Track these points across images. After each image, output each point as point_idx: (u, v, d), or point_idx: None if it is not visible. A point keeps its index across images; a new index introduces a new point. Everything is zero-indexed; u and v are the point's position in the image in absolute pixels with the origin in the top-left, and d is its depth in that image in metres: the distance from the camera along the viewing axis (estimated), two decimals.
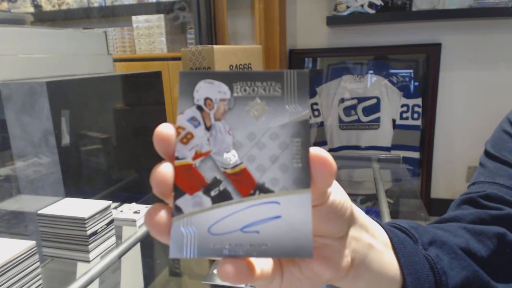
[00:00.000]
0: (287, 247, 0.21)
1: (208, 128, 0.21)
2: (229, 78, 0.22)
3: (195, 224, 0.20)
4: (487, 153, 0.49)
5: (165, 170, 0.20)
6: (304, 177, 0.21)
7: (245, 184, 0.21)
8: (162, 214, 0.20)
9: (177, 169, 0.21)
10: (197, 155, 0.21)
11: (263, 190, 0.21)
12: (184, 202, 0.21)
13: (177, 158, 0.21)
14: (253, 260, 0.22)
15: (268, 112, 0.22)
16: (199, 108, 0.21)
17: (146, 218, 0.20)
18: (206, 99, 0.22)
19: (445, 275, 0.32)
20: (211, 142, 0.21)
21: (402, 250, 0.31)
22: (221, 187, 0.21)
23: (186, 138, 0.21)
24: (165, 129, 0.21)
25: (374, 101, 2.12)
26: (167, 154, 0.21)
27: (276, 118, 0.21)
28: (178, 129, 0.21)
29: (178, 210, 0.20)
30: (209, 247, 0.20)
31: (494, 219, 0.39)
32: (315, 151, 0.21)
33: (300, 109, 0.21)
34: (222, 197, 0.21)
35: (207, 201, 0.21)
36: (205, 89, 0.21)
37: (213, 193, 0.21)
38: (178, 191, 0.21)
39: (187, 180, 0.21)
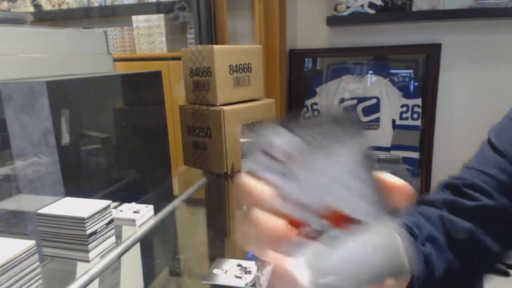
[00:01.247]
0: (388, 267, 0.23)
1: (292, 178, 0.23)
2: (298, 128, 0.24)
3: (309, 263, 0.22)
4: (489, 142, 0.49)
5: (276, 222, 0.22)
6: (381, 201, 0.23)
7: (338, 220, 0.23)
8: (286, 264, 0.22)
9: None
10: (292, 205, 0.23)
11: (354, 221, 0.23)
12: (297, 247, 0.23)
13: (277, 211, 0.23)
14: None
15: (337, 153, 0.24)
16: (279, 161, 0.23)
17: (276, 278, 0.22)
18: (282, 151, 0.23)
19: (434, 268, 0.39)
20: (300, 191, 0.23)
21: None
22: (321, 228, 0.23)
23: (279, 192, 0.23)
24: (256, 186, 0.22)
25: (374, 101, 2.12)
26: (262, 207, 0.23)
27: (345, 157, 0.24)
28: (269, 184, 0.23)
29: (295, 255, 0.23)
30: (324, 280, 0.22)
31: (471, 209, 0.42)
32: (387, 177, 0.25)
33: (362, 145, 0.25)
34: (331, 240, 0.23)
35: (313, 242, 0.23)
36: (280, 140, 0.23)
37: (316, 234, 0.23)
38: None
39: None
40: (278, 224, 0.22)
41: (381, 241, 0.23)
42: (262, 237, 0.22)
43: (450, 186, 0.46)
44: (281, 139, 0.23)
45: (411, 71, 2.10)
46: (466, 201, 0.43)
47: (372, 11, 1.92)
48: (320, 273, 0.22)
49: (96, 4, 2.39)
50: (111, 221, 0.72)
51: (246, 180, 0.22)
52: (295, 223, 0.23)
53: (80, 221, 0.65)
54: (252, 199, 0.22)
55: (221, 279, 0.62)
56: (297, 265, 0.22)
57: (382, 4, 1.91)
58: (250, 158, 0.21)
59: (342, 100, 2.16)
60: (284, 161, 0.23)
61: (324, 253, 0.23)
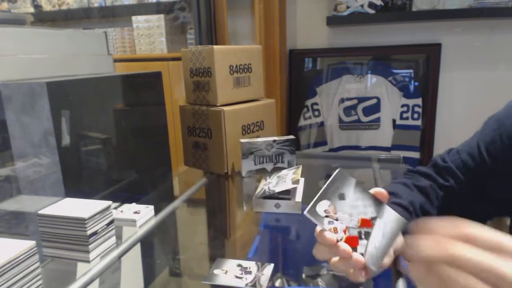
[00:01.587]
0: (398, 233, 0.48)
1: (337, 219, 0.47)
2: (324, 195, 0.47)
3: (369, 251, 0.46)
4: (477, 142, 0.63)
5: (347, 248, 0.45)
6: (379, 201, 0.49)
7: (368, 223, 0.47)
8: (360, 259, 0.45)
9: (346, 242, 0.46)
10: (344, 231, 0.47)
11: (373, 219, 0.48)
12: (359, 249, 0.46)
13: (341, 240, 0.46)
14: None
15: (345, 194, 0.49)
16: (327, 216, 0.47)
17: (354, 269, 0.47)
18: (325, 210, 0.47)
19: None
20: (343, 222, 0.47)
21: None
22: (363, 231, 0.47)
23: (335, 230, 0.47)
24: (330, 236, 0.46)
25: (374, 101, 2.12)
26: (333, 243, 0.46)
27: (350, 192, 0.49)
28: (330, 230, 0.46)
29: (361, 254, 0.46)
30: (377, 257, 0.46)
31: (442, 186, 0.65)
32: (374, 190, 0.50)
33: (354, 181, 0.49)
34: (367, 234, 0.47)
35: (364, 241, 0.46)
36: (321, 207, 0.47)
37: (363, 236, 0.47)
38: (354, 249, 0.46)
39: (352, 243, 0.46)
40: (347, 247, 0.45)
41: (385, 219, 0.48)
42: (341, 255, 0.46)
43: (435, 165, 0.67)
44: (323, 207, 0.47)
45: (411, 71, 2.10)
46: (441, 180, 0.65)
47: (372, 11, 1.92)
48: (367, 254, 0.45)
49: (96, 5, 2.39)
50: (111, 222, 0.72)
51: (324, 233, 0.46)
52: (351, 238, 0.46)
53: (80, 222, 0.65)
54: (331, 241, 0.45)
55: (221, 280, 0.62)
56: (359, 255, 0.45)
57: (382, 4, 1.91)
58: (318, 224, 0.49)
59: (342, 100, 2.16)
60: (329, 215, 0.47)
61: (365, 244, 0.46)
